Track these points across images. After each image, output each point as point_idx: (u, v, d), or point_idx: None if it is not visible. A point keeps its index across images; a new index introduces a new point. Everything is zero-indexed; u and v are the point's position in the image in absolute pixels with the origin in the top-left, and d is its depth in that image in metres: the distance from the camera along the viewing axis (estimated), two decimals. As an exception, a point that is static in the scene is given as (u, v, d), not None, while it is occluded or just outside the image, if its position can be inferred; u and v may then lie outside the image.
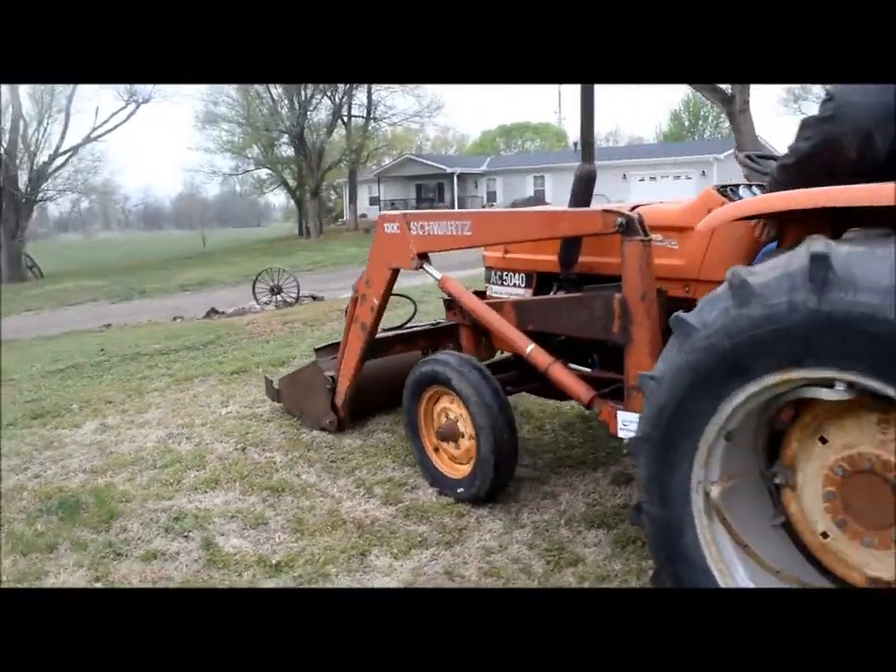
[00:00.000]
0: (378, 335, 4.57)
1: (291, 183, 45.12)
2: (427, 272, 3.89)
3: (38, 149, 35.00)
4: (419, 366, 3.84)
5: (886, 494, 2.02)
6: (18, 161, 33.62)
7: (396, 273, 4.11)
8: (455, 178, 42.15)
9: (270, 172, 45.63)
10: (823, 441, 2.19)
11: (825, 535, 2.24)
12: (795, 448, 2.28)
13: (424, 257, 3.91)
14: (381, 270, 4.15)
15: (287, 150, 42.70)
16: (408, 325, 4.97)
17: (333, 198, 55.58)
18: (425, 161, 44.48)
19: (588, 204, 3.41)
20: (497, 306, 3.67)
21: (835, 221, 2.31)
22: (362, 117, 42.74)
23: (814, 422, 2.22)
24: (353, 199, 43.49)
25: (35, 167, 34.53)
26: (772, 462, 2.35)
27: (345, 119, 42.34)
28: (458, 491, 3.68)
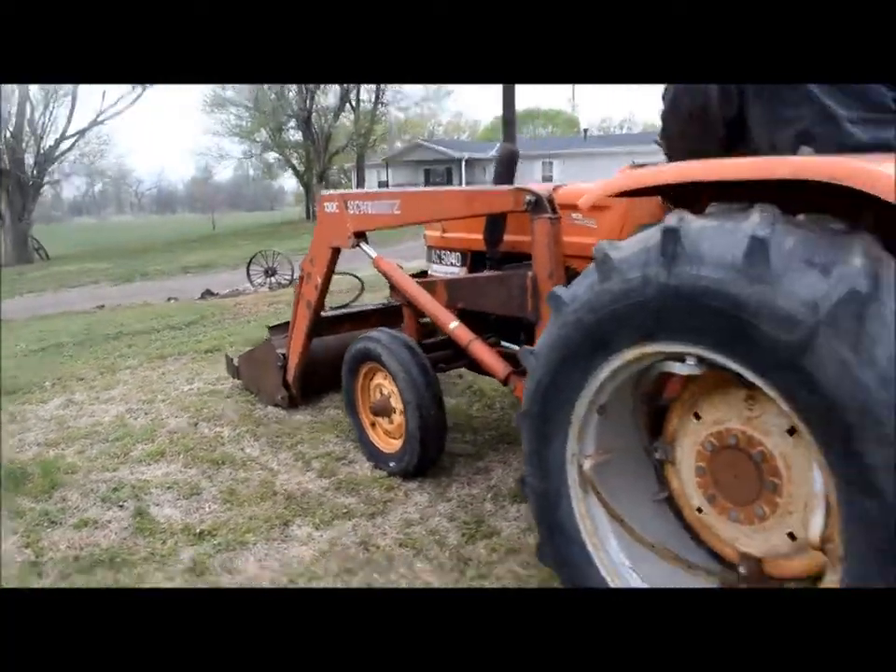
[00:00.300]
0: (327, 314, 4.64)
1: (299, 167, 45.14)
2: (363, 250, 3.93)
3: (45, 133, 35.20)
4: (355, 343, 3.89)
5: (749, 469, 2.05)
6: (24, 145, 33.82)
7: (337, 252, 4.15)
8: (464, 163, 41.98)
9: (278, 156, 45.68)
10: (697, 416, 2.22)
11: (700, 510, 2.27)
12: (675, 424, 2.31)
13: (361, 236, 3.95)
14: (323, 249, 4.20)
15: (294, 134, 42.72)
16: (354, 304, 5.04)
17: (343, 182, 55.54)
18: (433, 146, 44.31)
19: (511, 183, 3.42)
20: (430, 285, 3.70)
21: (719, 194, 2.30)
22: (370, 101, 42.63)
23: (691, 398, 2.25)
24: (361, 183, 43.46)
25: (41, 150, 34.69)
26: (657, 438, 2.38)
27: (353, 103, 42.25)
28: (391, 465, 3.74)
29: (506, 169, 3.43)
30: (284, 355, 4.69)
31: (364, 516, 3.37)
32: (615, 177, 2.32)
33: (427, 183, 43.91)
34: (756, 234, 1.69)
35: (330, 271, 4.22)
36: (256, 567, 3.02)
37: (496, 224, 3.45)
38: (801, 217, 1.77)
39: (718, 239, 1.79)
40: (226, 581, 2.93)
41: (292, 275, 13.93)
